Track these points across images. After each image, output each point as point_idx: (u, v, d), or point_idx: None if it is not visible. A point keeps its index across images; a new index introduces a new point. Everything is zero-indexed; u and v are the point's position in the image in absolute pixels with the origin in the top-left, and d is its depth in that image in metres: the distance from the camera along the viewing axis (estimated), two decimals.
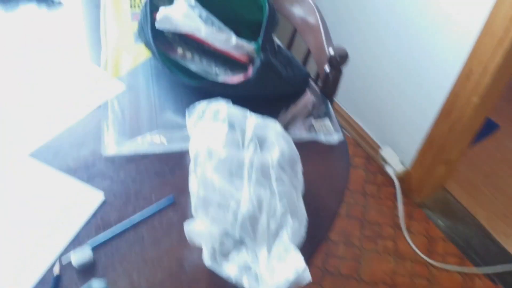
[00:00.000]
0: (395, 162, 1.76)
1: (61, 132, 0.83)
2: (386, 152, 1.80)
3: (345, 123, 2.02)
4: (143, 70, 0.94)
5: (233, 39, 0.87)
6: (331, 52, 0.90)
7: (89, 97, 0.88)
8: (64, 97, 0.88)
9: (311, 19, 1.07)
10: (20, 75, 0.91)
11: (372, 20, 1.66)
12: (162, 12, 0.85)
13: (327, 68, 0.92)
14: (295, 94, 0.93)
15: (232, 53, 0.88)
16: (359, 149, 1.94)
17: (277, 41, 1.01)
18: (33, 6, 1.07)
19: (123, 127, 0.84)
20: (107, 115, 0.85)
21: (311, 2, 1.08)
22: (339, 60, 0.89)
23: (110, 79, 0.91)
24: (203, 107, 0.78)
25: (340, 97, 2.01)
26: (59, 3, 1.09)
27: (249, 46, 0.88)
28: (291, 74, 0.91)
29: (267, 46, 0.86)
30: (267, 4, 0.87)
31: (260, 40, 0.87)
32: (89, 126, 0.84)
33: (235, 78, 0.86)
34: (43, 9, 1.07)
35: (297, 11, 1.13)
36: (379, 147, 1.87)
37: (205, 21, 0.87)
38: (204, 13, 0.88)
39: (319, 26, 1.03)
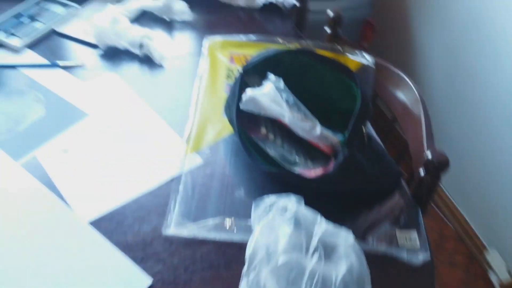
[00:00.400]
0: (502, 269, 1.53)
1: (128, 201, 0.81)
2: (492, 256, 1.57)
3: (449, 212, 1.82)
4: (223, 146, 0.91)
5: (318, 129, 0.80)
6: (429, 156, 0.79)
7: (164, 168, 0.86)
8: (139, 165, 0.86)
9: (414, 110, 0.97)
10: (101, 136, 0.92)
11: (487, 111, 1.50)
12: (249, 93, 0.81)
13: (422, 172, 0.81)
14: (381, 195, 0.82)
15: (315, 142, 0.82)
16: (462, 245, 1.72)
17: (370, 130, 0.92)
18: (135, 66, 1.11)
19: (190, 206, 0.80)
20: (178, 190, 0.82)
21: (416, 91, 0.98)
22: (437, 167, 0.78)
23: (189, 153, 0.88)
24: (271, 201, 0.71)
25: (447, 182, 1.83)
26: (161, 66, 1.12)
27: (333, 138, 0.81)
28: (379, 172, 0.81)
29: (353, 141, 0.78)
30: (360, 96, 0.80)
31: (346, 133, 0.79)
32: (157, 199, 0.82)
33: (313, 172, 0.78)
34: (144, 70, 1.10)
35: (400, 97, 1.04)
36: (484, 248, 1.64)
37: (292, 106, 0.82)
38: (292, 97, 0.83)
39: (422, 119, 0.93)
